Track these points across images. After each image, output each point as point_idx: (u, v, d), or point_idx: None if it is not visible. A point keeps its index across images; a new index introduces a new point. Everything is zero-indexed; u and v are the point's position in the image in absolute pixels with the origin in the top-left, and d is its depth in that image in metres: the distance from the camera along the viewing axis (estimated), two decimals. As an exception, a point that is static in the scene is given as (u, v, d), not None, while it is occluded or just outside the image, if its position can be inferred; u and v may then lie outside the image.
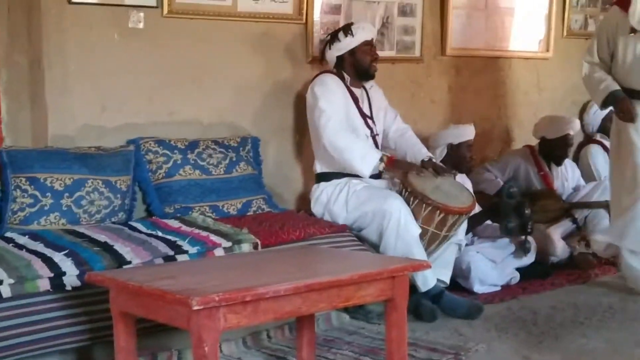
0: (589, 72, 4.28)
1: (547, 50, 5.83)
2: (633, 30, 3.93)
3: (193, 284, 2.43)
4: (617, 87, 4.09)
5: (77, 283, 2.94)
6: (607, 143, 5.64)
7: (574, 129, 5.29)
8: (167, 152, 3.91)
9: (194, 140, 4.04)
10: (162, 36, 4.04)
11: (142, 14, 3.96)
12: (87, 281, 2.78)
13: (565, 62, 5.92)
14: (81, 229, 3.35)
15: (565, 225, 4.97)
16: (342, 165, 4.02)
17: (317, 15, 4.55)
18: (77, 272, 2.95)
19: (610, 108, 4.31)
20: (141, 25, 3.98)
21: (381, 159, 3.98)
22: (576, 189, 5.21)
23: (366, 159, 3.97)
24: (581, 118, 5.85)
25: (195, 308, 2.27)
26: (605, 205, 4.94)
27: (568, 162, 5.37)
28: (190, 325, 2.30)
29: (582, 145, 5.76)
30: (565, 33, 5.94)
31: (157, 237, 3.32)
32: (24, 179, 3.43)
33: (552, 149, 5.18)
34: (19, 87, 3.79)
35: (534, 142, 5.30)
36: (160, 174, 3.86)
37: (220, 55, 4.25)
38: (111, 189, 3.60)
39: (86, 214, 3.51)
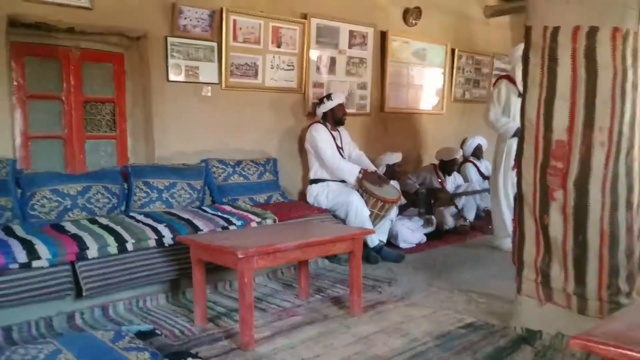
0: (496, 117, 4.09)
1: (442, 109, 5.83)
2: (520, 94, 3.72)
3: (238, 243, 2.45)
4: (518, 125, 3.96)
5: (171, 242, 2.94)
6: (477, 162, 5.71)
7: (459, 154, 5.31)
8: (224, 167, 3.88)
9: (239, 160, 4.01)
10: (222, 100, 4.02)
11: (209, 87, 3.95)
12: (178, 241, 2.80)
13: (452, 117, 5.94)
14: (174, 211, 3.34)
15: (452, 209, 5.00)
16: (337, 176, 4.03)
17: (310, 88, 4.55)
18: (171, 235, 2.95)
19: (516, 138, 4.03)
20: (209, 94, 3.97)
21: (360, 172, 3.98)
22: (457, 188, 5.22)
23: (351, 173, 3.97)
24: (461, 147, 5.88)
25: (240, 256, 2.29)
26: (470, 194, 5.07)
27: (455, 174, 5.40)
28: (237, 266, 2.32)
29: (462, 163, 5.80)
30: (452, 99, 5.95)
31: (217, 215, 3.31)
32: (140, 182, 3.41)
33: (446, 166, 5.19)
34: (137, 130, 3.77)
35: (435, 162, 5.30)
36: (219, 179, 3.83)
37: (255, 111, 4.23)
38: (191, 188, 3.58)
39: (177, 202, 3.49)
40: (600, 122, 2.15)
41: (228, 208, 3.51)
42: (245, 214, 3.39)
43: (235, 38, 4.01)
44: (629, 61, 2.14)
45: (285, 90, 4.39)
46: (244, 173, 3.95)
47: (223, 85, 3.99)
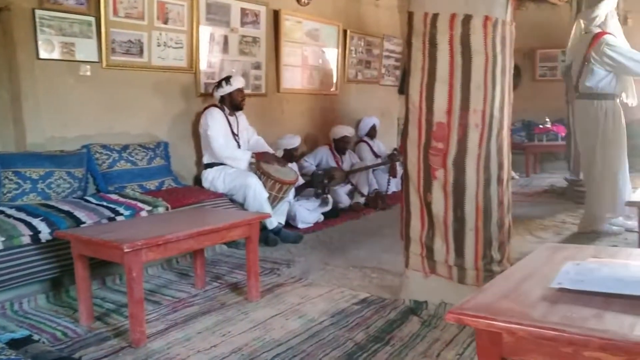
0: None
1: (337, 90, 5.92)
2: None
3: (125, 235, 2.30)
4: None
5: (49, 237, 2.69)
6: (370, 142, 5.88)
7: (350, 132, 5.36)
8: (109, 153, 3.61)
9: (126, 145, 3.75)
10: (103, 81, 3.71)
11: (88, 66, 3.62)
12: (56, 236, 2.57)
13: (347, 97, 6.05)
14: (52, 203, 3.03)
15: (347, 187, 5.12)
16: (229, 164, 3.93)
17: (201, 67, 4.36)
18: (49, 230, 2.69)
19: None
20: (88, 74, 3.64)
21: (252, 156, 3.94)
22: (352, 166, 5.33)
23: (243, 160, 3.90)
24: (357, 128, 6.03)
25: (126, 250, 2.16)
26: (365, 169, 5.20)
27: (350, 153, 5.54)
28: (124, 261, 2.18)
29: (356, 143, 5.96)
30: (346, 80, 6.05)
31: (103, 205, 3.07)
32: (10, 172, 3.05)
33: (339, 144, 5.30)
34: (3, 114, 3.35)
35: (330, 142, 5.37)
36: (104, 166, 3.56)
37: (142, 92, 3.97)
38: (71, 177, 3.28)
39: (55, 193, 3.19)
40: (474, 104, 2.30)
41: (115, 197, 3.27)
42: (134, 202, 3.19)
43: (115, 12, 3.70)
44: (499, 48, 2.31)
45: (174, 69, 4.16)
46: (131, 159, 3.71)
47: (104, 64, 3.68)
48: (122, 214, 3.02)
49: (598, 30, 3.69)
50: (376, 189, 5.34)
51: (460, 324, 1.37)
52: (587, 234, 3.76)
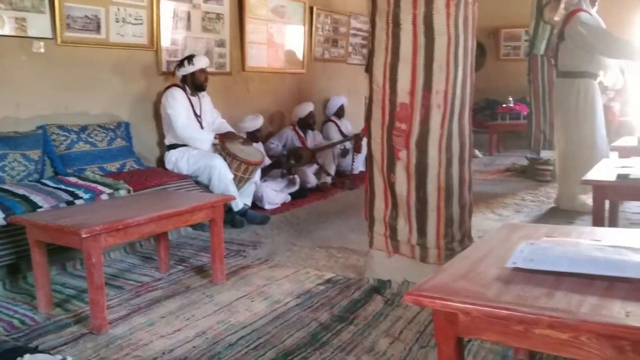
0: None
1: (303, 68, 5.84)
2: None
3: (83, 220, 2.23)
4: None
5: (3, 223, 2.59)
6: (337, 121, 5.86)
7: (313, 107, 5.32)
8: (66, 134, 3.48)
9: (85, 125, 3.63)
10: (58, 58, 3.55)
11: (42, 43, 3.45)
12: (10, 221, 2.48)
13: (314, 75, 5.99)
14: (6, 187, 2.91)
15: (314, 167, 5.11)
16: (192, 145, 3.84)
17: (163, 44, 4.22)
18: (3, 215, 2.59)
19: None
20: (42, 51, 3.46)
21: (215, 137, 3.87)
22: (317, 145, 5.30)
23: (206, 140, 3.84)
24: (325, 107, 5.99)
25: (84, 236, 2.10)
26: (331, 145, 5.16)
27: (315, 132, 5.51)
28: (82, 247, 2.12)
29: (324, 122, 5.94)
30: (313, 58, 5.98)
31: (61, 189, 2.97)
32: (-41, 155, 2.92)
33: (304, 123, 5.25)
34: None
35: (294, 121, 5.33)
36: (61, 147, 3.43)
37: (100, 70, 3.82)
38: (26, 159, 3.16)
39: (9, 177, 3.06)
40: (437, 85, 2.31)
41: (73, 180, 3.17)
42: (93, 185, 3.09)
43: (70, -14, 3.53)
44: (461, 28, 2.31)
45: (134, 46, 4.01)
46: (90, 140, 3.59)
47: (59, 41, 3.51)
48: (81, 198, 2.93)
49: (573, 8, 3.71)
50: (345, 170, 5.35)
51: (419, 306, 1.41)
52: (563, 211, 3.85)
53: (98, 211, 2.48)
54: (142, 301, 2.46)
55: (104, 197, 3.01)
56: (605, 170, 2.53)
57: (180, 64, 3.94)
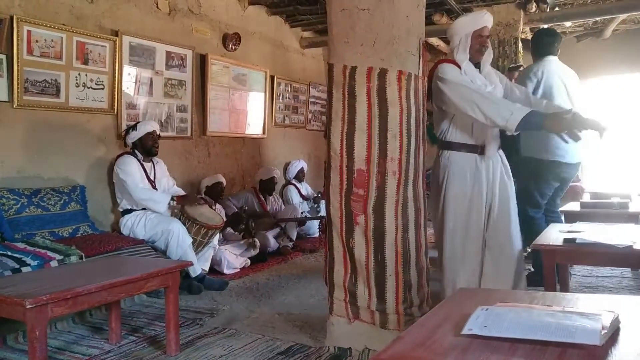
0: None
1: (264, 134, 5.93)
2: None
3: (29, 289, 2.10)
4: None
5: (-62, 294, 2.39)
6: (297, 184, 5.91)
7: (277, 173, 5.39)
8: (17, 197, 3.36)
9: (37, 189, 3.51)
10: (13, 121, 3.48)
11: (-3, 106, 3.40)
12: (-53, 293, 2.28)
13: (274, 141, 6.09)
14: (-55, 254, 2.74)
15: (276, 230, 5.07)
16: (148, 207, 3.74)
17: (123, 109, 4.21)
18: (-61, 286, 2.40)
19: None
20: (-3, 114, 3.41)
21: (172, 199, 3.79)
22: (277, 210, 5.29)
23: (162, 201, 3.74)
24: (285, 171, 6.04)
25: (28, 306, 1.97)
26: (295, 220, 5.14)
27: (276, 195, 5.52)
28: (25, 318, 1.98)
29: (285, 185, 5.97)
30: (273, 124, 6.09)
31: (6, 255, 2.81)
32: None
33: (265, 186, 5.27)
34: None
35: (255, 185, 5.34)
36: (11, 212, 3.29)
37: (57, 133, 3.76)
38: (-29, 224, 3.00)
39: (-50, 243, 2.89)
40: (391, 153, 2.38)
41: (21, 246, 3.00)
42: (43, 251, 2.94)
43: (30, 51, 3.53)
44: (412, 100, 2.43)
45: (94, 110, 3.99)
46: (42, 204, 3.46)
47: (15, 104, 3.46)
48: (28, 265, 2.77)
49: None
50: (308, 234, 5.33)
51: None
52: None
53: (45, 279, 2.34)
54: (88, 377, 2.28)
55: (53, 263, 2.86)
56: (553, 234, 2.63)
57: (127, 132, 3.89)
